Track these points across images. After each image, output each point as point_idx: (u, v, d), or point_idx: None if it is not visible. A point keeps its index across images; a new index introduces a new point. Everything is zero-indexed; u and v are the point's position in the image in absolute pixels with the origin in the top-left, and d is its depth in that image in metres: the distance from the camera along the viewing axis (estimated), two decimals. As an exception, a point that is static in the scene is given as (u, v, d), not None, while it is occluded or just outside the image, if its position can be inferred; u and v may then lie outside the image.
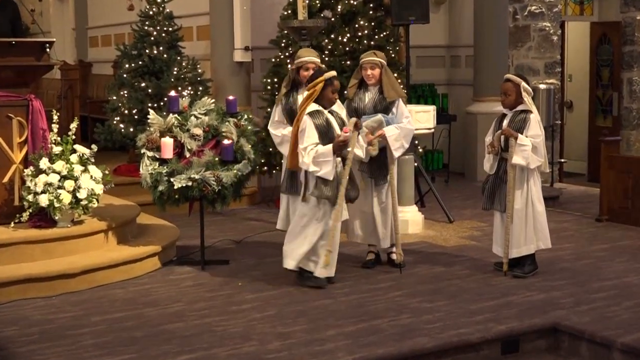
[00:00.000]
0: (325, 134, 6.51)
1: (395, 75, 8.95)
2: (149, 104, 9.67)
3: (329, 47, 9.75)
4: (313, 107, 6.57)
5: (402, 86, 8.70)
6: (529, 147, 6.84)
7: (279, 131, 7.18)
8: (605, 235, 8.67)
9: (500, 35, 11.81)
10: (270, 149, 9.51)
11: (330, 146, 6.47)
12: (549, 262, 7.46)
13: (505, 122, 7.01)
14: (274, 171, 9.91)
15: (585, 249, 8.07)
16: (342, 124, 6.67)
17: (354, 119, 6.71)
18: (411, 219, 8.62)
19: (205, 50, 10.83)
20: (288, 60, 9.61)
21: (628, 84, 12.75)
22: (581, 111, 13.65)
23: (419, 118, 8.37)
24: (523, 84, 6.96)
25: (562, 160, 12.74)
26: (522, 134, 6.88)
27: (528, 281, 6.90)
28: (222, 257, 7.68)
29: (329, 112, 6.64)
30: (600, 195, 9.35)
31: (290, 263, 6.70)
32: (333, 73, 6.64)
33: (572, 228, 9.03)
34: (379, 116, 6.98)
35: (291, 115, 7.09)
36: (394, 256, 7.30)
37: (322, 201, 6.54)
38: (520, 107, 6.97)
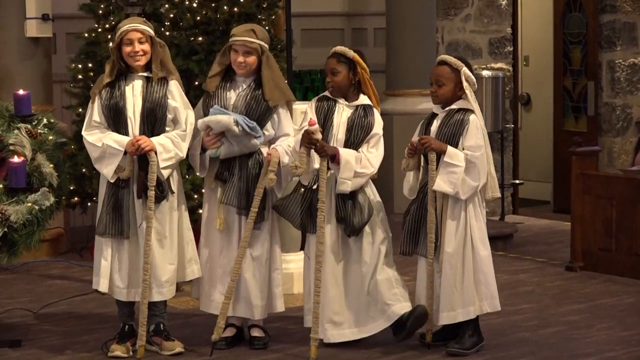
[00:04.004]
0: None
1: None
2: None
3: (171, 16, 9.74)
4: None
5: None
6: (461, 168, 6.93)
7: (99, 138, 7.06)
8: (581, 290, 8.90)
9: (424, -2, 12.02)
10: (84, 170, 9.41)
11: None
12: (499, 331, 7.61)
13: (434, 126, 7.14)
14: (89, 203, 9.81)
15: (552, 311, 8.27)
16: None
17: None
18: (297, 271, 8.65)
19: (-20, 21, 10.69)
20: (109, 36, 9.57)
21: (609, 69, 13.08)
22: (543, 110, 13.94)
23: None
24: (465, 69, 7.11)
25: (517, 181, 12.94)
26: (456, 144, 7.01)
27: (470, 360, 7.06)
28: (10, 337, 7.56)
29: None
30: (572, 232, 9.59)
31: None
32: None
33: (532, 281, 9.24)
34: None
35: (116, 115, 7.01)
36: (256, 332, 7.32)
37: None
38: (457, 105, 7.13)
